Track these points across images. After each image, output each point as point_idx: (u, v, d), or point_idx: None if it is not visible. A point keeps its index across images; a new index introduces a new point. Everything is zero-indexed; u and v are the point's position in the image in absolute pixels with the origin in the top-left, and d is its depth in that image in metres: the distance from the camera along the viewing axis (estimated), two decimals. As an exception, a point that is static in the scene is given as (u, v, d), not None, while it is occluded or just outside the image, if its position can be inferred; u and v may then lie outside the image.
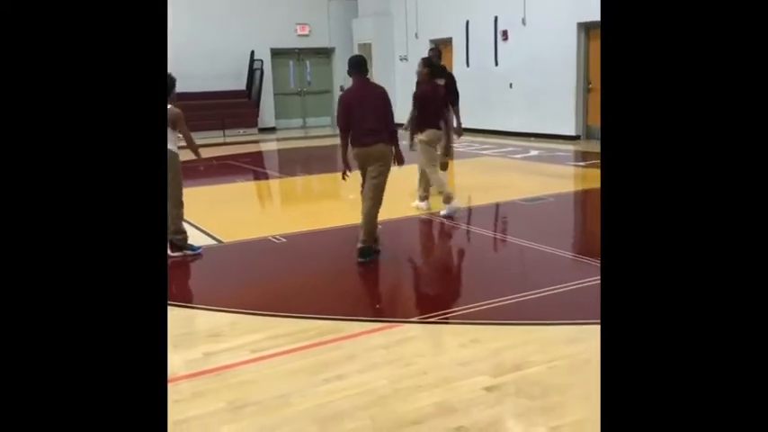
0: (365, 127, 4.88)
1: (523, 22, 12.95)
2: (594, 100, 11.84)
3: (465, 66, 14.66)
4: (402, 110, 7.21)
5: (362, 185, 5.07)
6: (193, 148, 5.37)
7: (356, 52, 17.41)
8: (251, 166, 11.36)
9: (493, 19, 13.65)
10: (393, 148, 4.97)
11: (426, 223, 6.26)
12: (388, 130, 4.93)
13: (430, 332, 3.57)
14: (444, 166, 7.26)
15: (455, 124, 7.24)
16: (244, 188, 9.43)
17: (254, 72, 16.54)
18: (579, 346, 3.25)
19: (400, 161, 5.03)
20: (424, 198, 6.62)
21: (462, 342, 3.37)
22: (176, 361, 3.30)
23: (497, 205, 7.03)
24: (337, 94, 18.09)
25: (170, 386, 2.98)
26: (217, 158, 11.68)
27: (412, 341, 3.43)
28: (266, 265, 5.20)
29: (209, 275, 5.08)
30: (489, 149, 11.65)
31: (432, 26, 15.45)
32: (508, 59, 13.45)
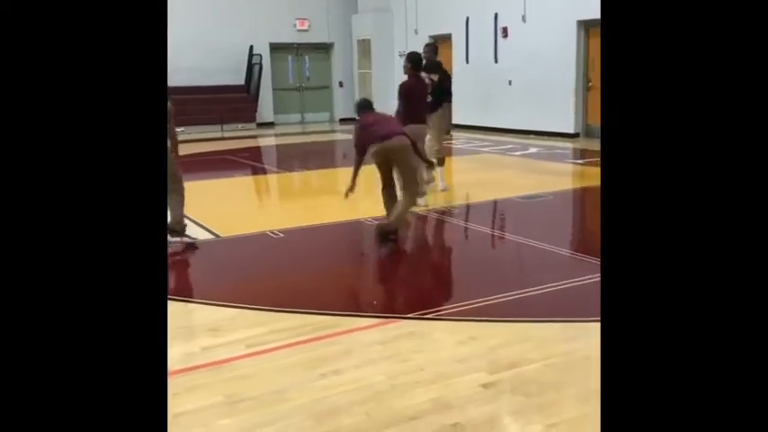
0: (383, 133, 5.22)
1: (523, 19, 12.94)
2: (594, 98, 11.84)
3: (465, 62, 14.66)
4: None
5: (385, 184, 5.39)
6: (174, 142, 5.37)
7: (355, 48, 17.41)
8: (249, 161, 11.34)
9: (493, 16, 13.64)
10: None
11: (424, 220, 6.26)
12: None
13: (427, 328, 3.57)
14: (441, 162, 7.28)
15: (444, 122, 7.28)
16: (242, 183, 9.42)
17: (252, 67, 16.51)
18: (576, 344, 3.25)
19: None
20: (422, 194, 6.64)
21: (459, 339, 3.37)
22: (174, 355, 3.29)
23: (495, 202, 7.03)
24: (336, 89, 18.11)
25: (168, 380, 2.99)
26: (215, 153, 11.67)
27: (409, 337, 3.43)
28: (264, 260, 5.20)
29: (207, 270, 5.08)
30: (488, 146, 11.66)
31: (431, 22, 15.43)
32: (508, 56, 13.45)
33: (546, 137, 12.27)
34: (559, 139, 11.99)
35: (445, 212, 6.18)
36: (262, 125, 16.51)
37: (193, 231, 5.77)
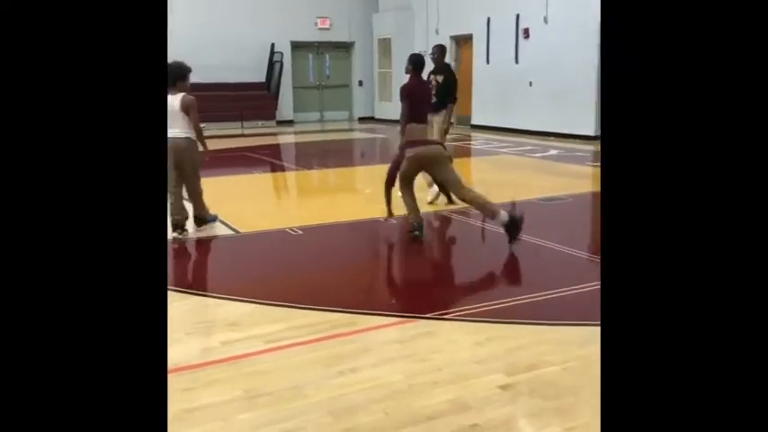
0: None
1: (545, 20, 12.87)
2: (615, 101, 11.73)
3: (485, 63, 14.62)
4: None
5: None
6: (200, 137, 5.53)
7: (376, 47, 17.42)
8: (269, 158, 11.40)
9: (514, 16, 13.58)
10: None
11: (442, 219, 6.25)
12: None
13: (445, 329, 3.57)
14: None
15: (446, 124, 7.38)
16: (261, 180, 9.48)
17: (273, 64, 16.59)
18: (594, 348, 3.22)
19: None
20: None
21: (477, 340, 3.37)
22: (193, 349, 3.33)
23: (514, 204, 7.01)
24: (356, 88, 18.13)
25: (187, 374, 3.02)
26: (235, 150, 11.75)
27: (427, 337, 3.43)
28: (283, 256, 5.23)
29: (226, 265, 5.12)
30: (507, 147, 11.61)
31: (452, 22, 15.40)
32: (529, 57, 13.38)
33: (566, 139, 12.20)
34: (579, 141, 11.91)
35: (463, 213, 6.17)
36: (281, 123, 16.59)
37: (214, 227, 5.85)
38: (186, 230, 5.58)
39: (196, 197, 5.65)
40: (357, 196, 7.79)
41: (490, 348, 3.26)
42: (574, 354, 3.17)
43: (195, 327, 3.69)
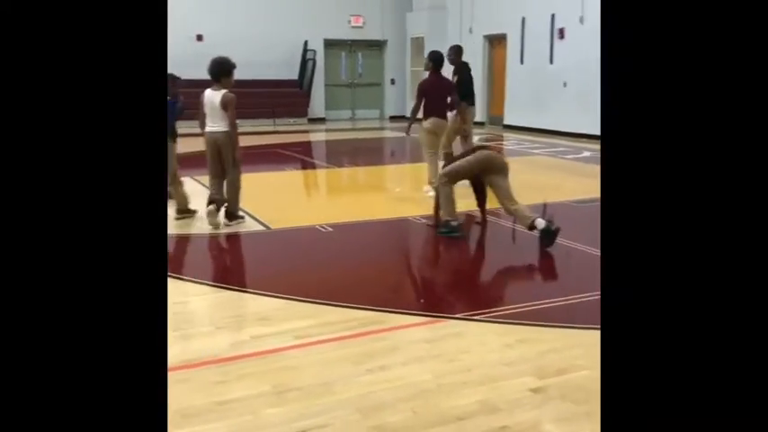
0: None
1: (581, 20, 12.71)
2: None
3: (519, 63, 14.50)
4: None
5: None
6: (234, 134, 5.66)
7: (409, 46, 17.40)
8: (300, 156, 11.47)
9: (550, 16, 13.44)
10: None
11: (472, 220, 6.22)
12: None
13: (475, 329, 3.55)
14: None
15: (459, 123, 7.62)
16: (292, 176, 9.54)
17: (306, 62, 16.68)
18: (628, 353, 3.18)
19: None
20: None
21: (507, 342, 3.34)
22: (224, 342, 3.36)
23: (545, 205, 6.93)
24: (388, 86, 18.14)
25: (218, 367, 3.05)
26: (267, 146, 11.84)
27: (456, 337, 3.41)
28: (313, 253, 5.25)
29: (257, 260, 5.16)
30: (540, 149, 11.50)
31: (486, 22, 15.31)
32: (563, 58, 13.23)
33: (599, 140, 12.03)
34: (614, 143, 11.73)
35: (494, 214, 6.13)
36: (313, 120, 16.68)
37: (246, 223, 5.92)
38: (218, 210, 5.73)
39: (234, 190, 5.74)
40: (387, 195, 7.79)
41: (520, 350, 3.23)
42: (606, 358, 3.12)
43: (226, 320, 3.73)
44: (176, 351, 3.21)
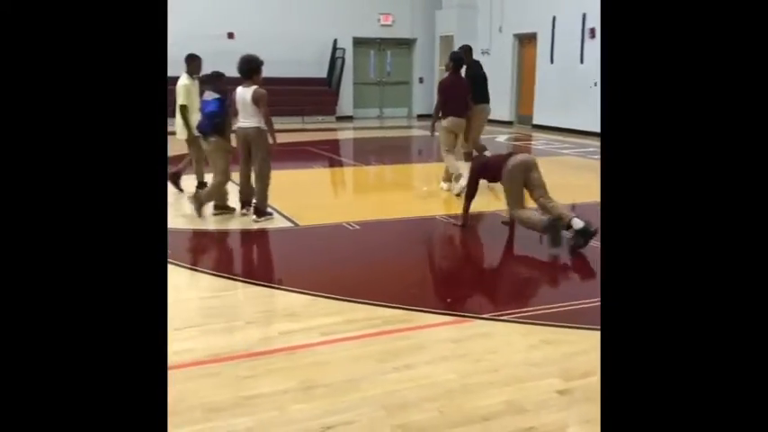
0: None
1: (613, 19, 12.54)
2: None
3: (549, 62, 14.37)
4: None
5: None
6: (270, 129, 5.81)
7: (438, 44, 17.35)
8: (328, 154, 11.53)
9: (581, 15, 13.29)
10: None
11: (499, 219, 6.19)
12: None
13: (501, 330, 3.54)
14: (467, 157, 7.72)
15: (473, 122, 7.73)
16: (320, 174, 9.59)
17: (335, 60, 16.72)
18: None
19: None
20: (448, 180, 7.31)
21: (533, 343, 3.33)
22: (253, 337, 3.41)
23: (574, 206, 6.87)
24: (416, 85, 18.12)
25: (247, 361, 3.09)
26: (296, 144, 11.92)
27: (482, 337, 3.41)
28: (340, 250, 5.28)
29: (285, 256, 5.21)
30: (569, 149, 11.39)
31: (516, 20, 15.20)
32: (594, 58, 13.07)
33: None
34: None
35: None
36: (341, 119, 16.72)
37: (274, 219, 5.99)
38: (248, 212, 6.01)
39: (263, 186, 5.84)
40: (414, 193, 7.79)
41: (546, 352, 3.21)
42: (634, 362, 3.09)
43: (255, 316, 3.78)
44: (205, 345, 3.27)
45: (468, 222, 5.74)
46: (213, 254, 5.43)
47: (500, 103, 15.55)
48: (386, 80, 18.01)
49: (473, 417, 2.59)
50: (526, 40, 15.39)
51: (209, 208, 6.08)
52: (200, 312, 3.84)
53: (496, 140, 12.32)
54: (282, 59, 15.41)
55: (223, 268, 4.76)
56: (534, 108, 15.02)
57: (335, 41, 16.64)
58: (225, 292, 4.18)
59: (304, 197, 7.35)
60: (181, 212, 6.26)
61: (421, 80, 18.07)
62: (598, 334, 3.44)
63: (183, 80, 6.81)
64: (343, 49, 16.74)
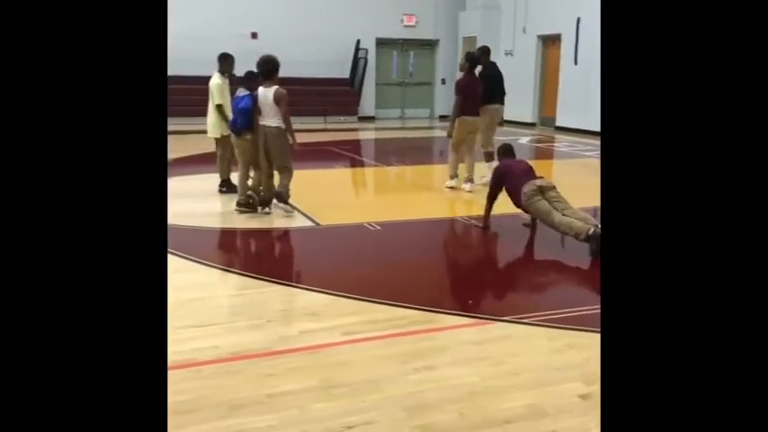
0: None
1: (639, 20, 12.41)
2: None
3: (573, 63, 14.25)
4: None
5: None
6: (289, 128, 5.90)
7: (461, 45, 17.31)
8: (349, 154, 11.55)
9: (606, 16, 13.16)
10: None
11: (521, 222, 6.16)
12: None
13: (523, 333, 3.52)
14: (489, 157, 7.79)
15: (487, 122, 7.89)
16: (342, 174, 9.62)
17: (358, 61, 16.76)
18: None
19: None
20: (468, 180, 7.41)
21: (556, 347, 3.30)
22: (274, 336, 3.43)
23: (595, 210, 6.81)
24: (438, 86, 18.09)
25: (268, 360, 3.11)
26: (318, 144, 11.97)
27: (504, 340, 3.39)
28: (361, 250, 5.29)
29: (306, 256, 5.23)
30: (592, 151, 11.29)
31: (540, 21, 15.10)
32: (619, 59, 12.93)
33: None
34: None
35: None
36: (363, 119, 16.75)
37: (295, 218, 6.01)
38: (270, 210, 6.13)
39: (286, 173, 6.01)
40: (436, 194, 7.77)
41: (569, 355, 3.19)
42: (658, 368, 3.06)
43: (277, 314, 3.80)
44: (227, 343, 3.29)
45: (490, 224, 5.71)
46: (236, 252, 5.47)
47: (523, 105, 15.47)
48: (408, 81, 18.00)
49: (494, 419, 2.58)
50: (550, 42, 15.28)
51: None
52: (221, 310, 3.87)
53: (519, 142, 12.25)
54: (305, 60, 15.48)
55: (246, 267, 4.80)
56: (557, 110, 14.90)
57: (358, 42, 16.67)
58: (246, 291, 4.21)
59: (325, 197, 7.38)
60: (208, 211, 6.34)
61: (443, 81, 18.04)
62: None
63: (216, 79, 6.88)
64: (366, 50, 16.77)
